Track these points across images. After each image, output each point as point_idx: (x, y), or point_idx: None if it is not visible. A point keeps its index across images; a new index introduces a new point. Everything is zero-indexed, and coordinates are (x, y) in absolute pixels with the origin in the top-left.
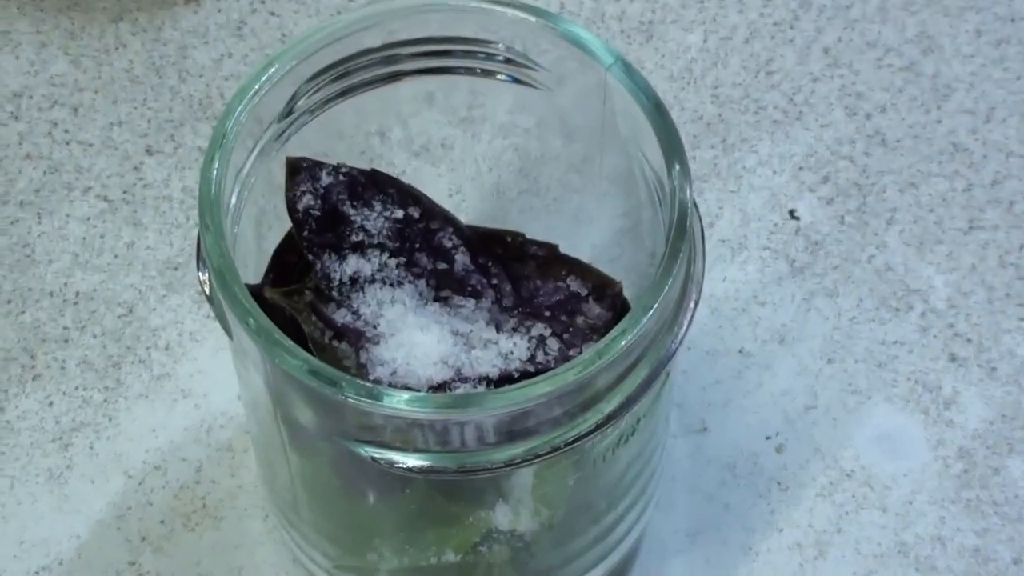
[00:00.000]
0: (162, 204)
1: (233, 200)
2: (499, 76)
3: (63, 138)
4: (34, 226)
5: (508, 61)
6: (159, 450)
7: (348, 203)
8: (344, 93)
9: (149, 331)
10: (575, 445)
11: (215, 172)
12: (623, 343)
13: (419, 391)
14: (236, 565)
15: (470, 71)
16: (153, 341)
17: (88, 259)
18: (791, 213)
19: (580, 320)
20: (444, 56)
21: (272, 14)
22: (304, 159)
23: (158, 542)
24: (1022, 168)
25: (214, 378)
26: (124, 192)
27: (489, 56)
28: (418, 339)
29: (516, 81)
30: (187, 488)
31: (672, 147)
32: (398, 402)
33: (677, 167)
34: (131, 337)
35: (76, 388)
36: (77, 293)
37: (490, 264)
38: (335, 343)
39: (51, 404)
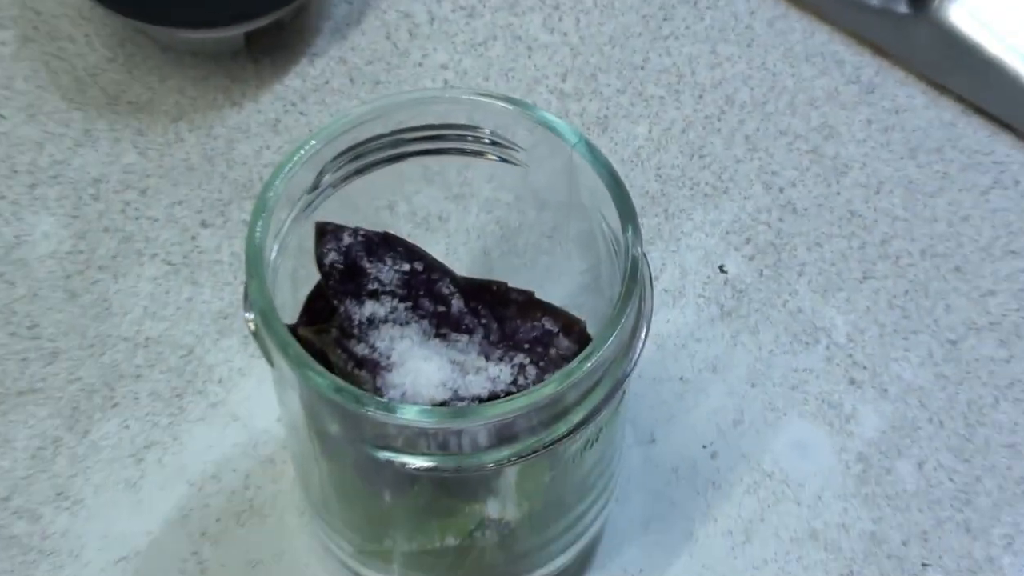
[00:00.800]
0: (214, 266)
1: (273, 256)
2: (486, 156)
3: (134, 214)
4: (111, 285)
5: (493, 143)
6: (214, 462)
7: (365, 259)
8: (359, 171)
9: (205, 368)
10: (550, 448)
11: (258, 232)
12: (586, 367)
13: (424, 406)
14: (278, 552)
15: (462, 152)
16: (209, 376)
17: (155, 311)
18: (720, 268)
19: (552, 351)
20: (440, 140)
21: (301, 113)
22: (329, 224)
23: (215, 536)
24: (905, 230)
25: (258, 404)
26: (184, 257)
27: (477, 139)
28: (422, 367)
29: (500, 160)
30: (237, 492)
31: (626, 211)
32: (408, 414)
33: (631, 228)
34: (191, 373)
35: (147, 414)
36: (147, 338)
37: (479, 308)
38: (356, 371)
39: (127, 427)
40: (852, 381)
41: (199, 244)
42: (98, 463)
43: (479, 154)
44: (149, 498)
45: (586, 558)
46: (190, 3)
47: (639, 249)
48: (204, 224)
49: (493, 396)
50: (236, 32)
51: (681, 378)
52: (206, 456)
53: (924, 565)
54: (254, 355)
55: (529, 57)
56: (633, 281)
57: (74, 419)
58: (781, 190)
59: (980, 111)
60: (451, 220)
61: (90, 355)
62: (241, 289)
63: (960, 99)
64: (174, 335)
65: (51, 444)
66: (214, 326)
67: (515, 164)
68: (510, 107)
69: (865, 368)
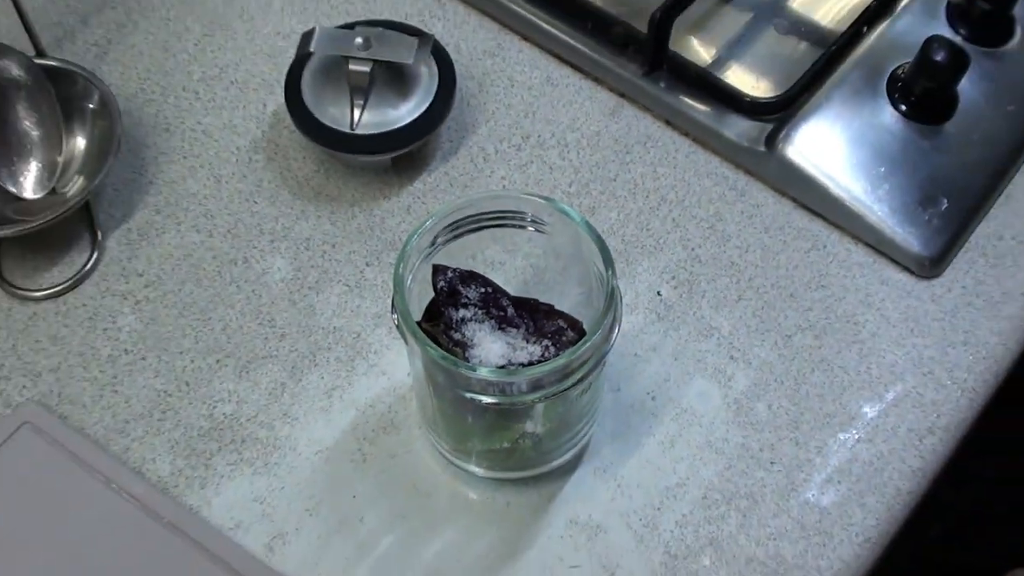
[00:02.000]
0: (374, 288)
1: (408, 283)
2: (527, 228)
3: (328, 258)
4: (315, 298)
5: (532, 221)
6: (371, 397)
7: (460, 285)
8: (456, 236)
9: (367, 345)
10: (562, 394)
11: (400, 269)
12: (584, 348)
13: (491, 368)
14: (407, 450)
15: (513, 226)
16: (369, 349)
17: (340, 312)
18: (658, 293)
19: (564, 339)
20: (501, 219)
21: (423, 204)
22: (440, 265)
23: (371, 439)
24: (762, 273)
25: (397, 365)
26: (356, 283)
27: (522, 219)
28: (491, 347)
29: (535, 231)
30: (384, 415)
31: (607, 260)
32: (482, 373)
33: (610, 270)
34: (359, 347)
35: (334, 370)
36: (335, 328)
37: (523, 313)
38: (454, 348)
39: (323, 378)
40: (732, 358)
41: (365, 276)
42: (306, 397)
43: (523, 227)
44: (335, 417)
45: (580, 455)
46: (362, 143)
47: (615, 282)
48: (368, 264)
49: (531, 364)
50: (386, 157)
51: (635, 354)
52: (367, 394)
53: (771, 463)
54: (395, 338)
55: (551, 173)
56: (611, 300)
57: (293, 372)
58: (693, 249)
59: (804, 206)
60: (507, 264)
61: (302, 336)
62: (389, 301)
63: (794, 200)
64: (350, 326)
65: (280, 387)
66: (373, 322)
67: (544, 233)
68: (541, 201)
69: (739, 350)
